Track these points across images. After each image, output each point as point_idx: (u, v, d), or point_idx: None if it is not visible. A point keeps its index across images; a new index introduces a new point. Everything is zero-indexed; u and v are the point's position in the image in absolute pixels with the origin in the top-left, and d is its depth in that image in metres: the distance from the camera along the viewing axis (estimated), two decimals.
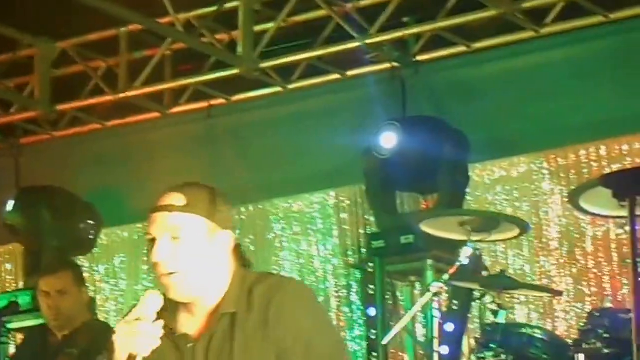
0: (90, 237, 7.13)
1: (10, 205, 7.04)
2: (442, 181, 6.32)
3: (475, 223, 4.92)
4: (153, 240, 3.03)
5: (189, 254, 3.04)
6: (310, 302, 3.13)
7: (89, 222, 7.10)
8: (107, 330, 5.43)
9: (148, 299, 3.00)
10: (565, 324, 6.62)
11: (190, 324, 3.11)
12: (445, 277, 4.86)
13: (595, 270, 6.61)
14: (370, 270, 5.99)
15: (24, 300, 6.64)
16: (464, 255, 4.87)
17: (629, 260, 4.53)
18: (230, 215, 3.14)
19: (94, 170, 7.78)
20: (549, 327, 6.47)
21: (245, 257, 3.19)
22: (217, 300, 3.09)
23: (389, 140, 6.36)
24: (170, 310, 3.08)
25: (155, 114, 7.76)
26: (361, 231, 7.16)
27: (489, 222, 4.96)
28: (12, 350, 6.94)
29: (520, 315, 6.68)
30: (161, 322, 2.98)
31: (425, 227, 5.16)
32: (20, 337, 7.27)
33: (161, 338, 2.99)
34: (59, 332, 5.31)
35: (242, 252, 3.19)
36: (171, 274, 3.03)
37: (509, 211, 6.80)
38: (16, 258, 8.17)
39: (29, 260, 7.22)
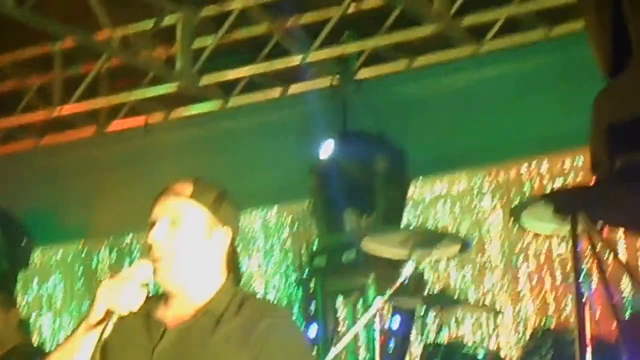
0: (27, 256, 7.01)
1: None
2: (379, 197, 6.28)
3: (416, 240, 4.87)
4: (154, 223, 3.02)
5: (184, 241, 3.02)
6: (298, 334, 3.15)
7: (27, 240, 6.98)
8: (37, 354, 5.37)
9: (139, 265, 2.99)
10: (507, 339, 6.60)
11: (167, 315, 3.08)
12: (387, 294, 4.81)
13: (538, 287, 6.60)
14: (311, 289, 5.92)
15: None
16: (406, 273, 4.83)
17: (571, 280, 4.52)
18: (234, 217, 3.15)
19: (28, 188, 7.63)
20: (492, 342, 6.47)
21: (238, 269, 3.18)
22: (202, 297, 3.06)
23: (326, 150, 6.31)
24: (153, 300, 3.07)
25: (91, 131, 7.64)
26: (303, 249, 7.12)
27: (430, 239, 4.91)
28: None
29: (465, 329, 6.65)
30: (145, 291, 2.95)
31: (367, 245, 5.11)
32: None
33: (135, 320, 3.01)
34: None
35: (237, 262, 3.17)
36: (162, 258, 2.99)
37: (450, 228, 6.79)
38: None
39: None
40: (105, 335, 2.91)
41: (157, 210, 3.04)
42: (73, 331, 3.06)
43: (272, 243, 7.30)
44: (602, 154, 2.62)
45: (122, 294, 2.91)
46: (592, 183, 2.80)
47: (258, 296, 3.40)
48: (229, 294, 3.08)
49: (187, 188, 3.06)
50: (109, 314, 2.93)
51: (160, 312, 3.08)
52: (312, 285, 6.05)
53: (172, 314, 3.07)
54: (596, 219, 2.67)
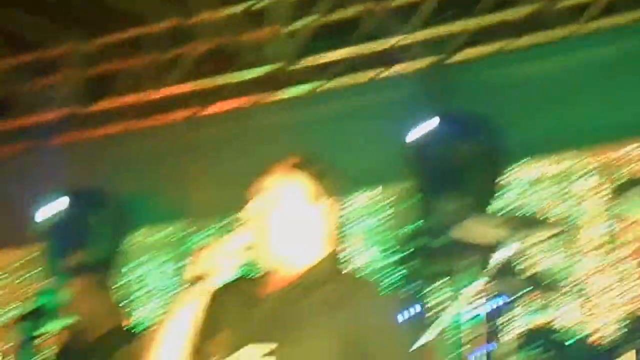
0: (127, 238, 7.12)
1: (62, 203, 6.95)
2: (475, 180, 6.23)
3: (511, 225, 4.85)
4: (256, 196, 3.12)
5: (286, 213, 3.10)
6: (389, 312, 3.15)
7: (126, 222, 7.10)
8: (133, 337, 5.47)
9: (240, 233, 3.07)
10: (601, 325, 6.52)
11: (270, 281, 3.15)
12: (482, 279, 4.79)
13: (635, 273, 6.52)
14: (410, 270, 5.95)
15: (48, 303, 6.66)
16: (499, 257, 4.80)
17: None
18: (337, 190, 3.19)
19: (127, 170, 7.72)
20: (586, 328, 6.40)
21: (340, 243, 3.22)
22: (301, 267, 3.14)
23: (422, 131, 6.26)
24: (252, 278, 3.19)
25: (188, 114, 7.73)
26: (404, 230, 7.13)
27: (526, 223, 4.89)
28: (40, 357, 6.98)
29: (558, 314, 6.59)
30: (239, 259, 3.04)
31: (462, 230, 5.11)
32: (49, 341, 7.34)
33: (239, 285, 3.14)
34: (90, 334, 5.29)
35: (339, 237, 3.21)
36: (265, 227, 3.08)
37: (548, 211, 6.73)
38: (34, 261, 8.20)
39: (51, 263, 7.19)
40: (200, 297, 3.03)
41: (263, 185, 3.13)
42: (172, 302, 3.15)
43: (373, 224, 7.31)
44: None
45: (215, 261, 3.01)
46: None
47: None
48: (327, 265, 3.14)
49: (292, 162, 3.14)
50: (206, 276, 3.02)
51: (263, 278, 3.17)
52: (411, 266, 6.06)
53: (272, 284, 3.14)
54: None
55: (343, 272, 3.17)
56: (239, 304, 3.15)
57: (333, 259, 3.19)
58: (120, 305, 5.50)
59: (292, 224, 3.12)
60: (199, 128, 7.73)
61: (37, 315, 6.48)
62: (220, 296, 3.11)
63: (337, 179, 3.21)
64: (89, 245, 6.85)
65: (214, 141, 7.67)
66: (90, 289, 5.30)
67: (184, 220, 7.83)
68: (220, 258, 3.02)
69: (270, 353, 3.02)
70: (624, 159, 6.66)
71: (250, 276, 3.19)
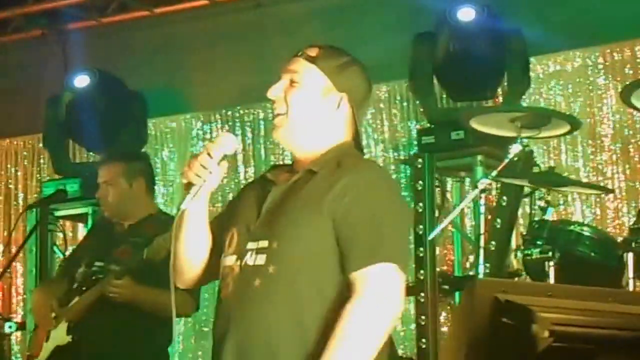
0: (144, 127, 7.07)
1: (83, 81, 6.85)
2: (512, 74, 6.14)
3: (525, 119, 4.84)
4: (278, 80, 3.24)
5: (299, 99, 3.19)
6: (386, 189, 3.17)
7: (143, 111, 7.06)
8: (164, 222, 5.48)
9: (221, 139, 3.15)
10: (617, 221, 6.54)
11: (280, 174, 3.27)
12: (494, 173, 4.81)
13: None
14: (419, 166, 5.93)
15: (71, 187, 6.69)
16: (513, 152, 4.81)
17: None
18: (357, 85, 3.25)
19: (142, 58, 7.71)
20: (600, 223, 6.41)
21: (358, 134, 3.26)
22: (312, 157, 3.21)
23: (467, 14, 6.04)
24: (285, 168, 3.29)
25: (204, 2, 7.63)
26: (411, 126, 7.10)
27: (540, 118, 4.88)
28: (60, 237, 7.05)
29: (573, 208, 6.59)
30: (225, 164, 3.13)
31: (475, 124, 5.10)
32: (68, 224, 7.40)
33: (257, 183, 3.30)
34: (124, 222, 5.36)
35: (357, 128, 3.26)
36: (279, 115, 3.21)
37: (563, 106, 6.69)
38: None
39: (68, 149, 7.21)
40: (184, 207, 3.12)
41: (283, 70, 3.23)
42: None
43: (381, 119, 7.28)
44: None
45: (197, 169, 3.09)
46: None
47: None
48: (336, 153, 3.19)
49: (313, 51, 3.21)
50: (189, 186, 3.11)
51: (277, 173, 3.28)
52: (419, 163, 6.05)
53: (285, 173, 3.26)
54: None
55: (345, 155, 3.19)
56: (252, 202, 3.23)
57: (343, 150, 3.22)
58: (143, 195, 5.49)
59: (306, 110, 3.20)
60: (210, 17, 7.65)
61: (59, 199, 6.55)
62: (242, 196, 3.24)
63: (358, 73, 3.23)
64: (114, 133, 6.84)
65: (230, 31, 7.63)
66: (119, 178, 5.33)
67: (200, 109, 7.83)
68: (200, 170, 3.08)
69: (261, 250, 3.10)
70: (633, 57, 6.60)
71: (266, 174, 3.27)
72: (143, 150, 6.82)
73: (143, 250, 4.97)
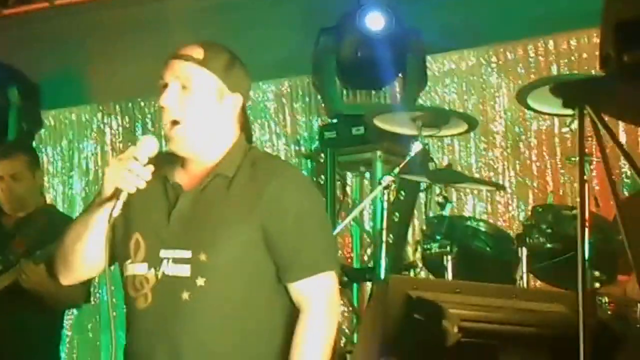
0: (41, 118, 7.06)
1: None
2: (410, 74, 6.32)
3: (426, 118, 5.02)
4: (165, 85, 3.11)
5: (195, 105, 3.11)
6: (312, 192, 3.23)
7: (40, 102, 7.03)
8: (58, 215, 5.51)
9: (144, 141, 3.10)
10: (507, 215, 6.76)
11: (184, 178, 3.19)
12: (396, 170, 4.97)
13: (538, 164, 6.73)
14: (321, 160, 6.07)
15: None
16: (414, 150, 4.99)
17: (573, 159, 4.68)
18: (244, 81, 3.22)
19: (42, 49, 7.61)
20: (494, 218, 6.61)
21: (249, 128, 3.26)
22: (215, 160, 3.16)
23: (376, 21, 6.21)
24: (170, 163, 3.18)
25: None
26: (314, 121, 7.20)
27: (440, 117, 5.06)
28: None
29: (468, 205, 6.79)
30: (151, 167, 3.06)
31: (379, 122, 5.25)
32: None
33: (153, 184, 3.10)
34: (13, 214, 5.32)
35: (248, 122, 3.26)
36: (174, 122, 3.10)
37: (457, 104, 6.87)
38: None
39: None
40: (115, 213, 3.03)
41: (168, 73, 3.12)
42: (86, 209, 3.24)
43: (283, 115, 7.38)
44: (610, 48, 2.74)
45: (127, 174, 3.02)
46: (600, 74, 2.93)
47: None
48: (240, 154, 3.17)
49: (198, 52, 3.11)
50: (117, 192, 3.04)
51: (178, 175, 3.19)
52: (322, 157, 6.19)
53: (188, 177, 3.17)
54: (602, 111, 2.81)
55: (255, 158, 3.18)
56: (160, 199, 3.17)
57: (242, 146, 3.20)
58: (40, 186, 5.50)
59: (201, 116, 3.12)
60: (107, 10, 7.62)
61: None
62: (138, 199, 3.09)
63: (243, 70, 3.20)
64: (8, 126, 6.79)
65: (130, 23, 7.60)
66: (25, 170, 5.29)
67: (98, 101, 7.81)
68: (131, 171, 3.03)
69: (182, 261, 3.07)
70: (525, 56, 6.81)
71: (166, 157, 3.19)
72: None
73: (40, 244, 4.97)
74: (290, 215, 3.09)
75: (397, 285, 2.92)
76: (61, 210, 6.56)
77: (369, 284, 6.12)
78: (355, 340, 5.78)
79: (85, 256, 3.16)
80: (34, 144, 7.22)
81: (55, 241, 4.93)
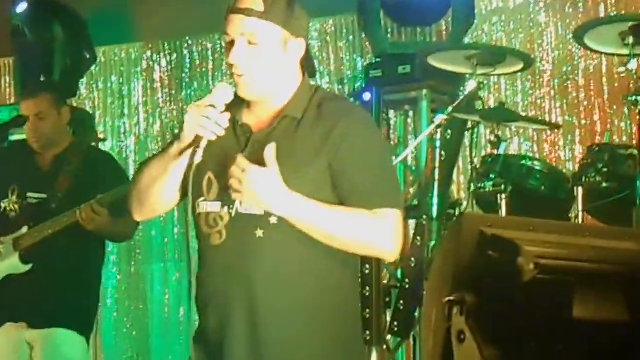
0: (90, 56, 7.04)
1: (22, 7, 6.82)
2: (458, 11, 6.26)
3: (481, 57, 4.98)
4: (231, 42, 3.17)
5: (262, 60, 3.17)
6: (378, 132, 3.35)
7: (86, 53, 7.01)
8: (93, 150, 5.58)
9: (220, 89, 3.17)
10: (554, 155, 6.73)
11: (252, 119, 3.26)
12: (450, 109, 4.95)
13: (585, 104, 6.69)
14: (366, 99, 6.04)
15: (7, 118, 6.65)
16: (469, 88, 4.95)
17: (630, 97, 4.65)
18: (305, 23, 3.27)
19: None
20: (549, 157, 6.59)
21: (313, 67, 3.34)
22: (282, 103, 3.23)
23: None
24: (237, 105, 3.24)
25: None
26: (358, 60, 7.18)
27: (496, 56, 5.02)
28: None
29: (521, 144, 6.77)
30: (228, 114, 3.15)
31: (432, 60, 5.21)
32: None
33: (226, 128, 3.16)
34: (44, 153, 5.35)
35: (312, 62, 3.33)
36: (244, 75, 3.17)
37: (504, 42, 6.84)
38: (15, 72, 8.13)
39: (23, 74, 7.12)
40: (197, 160, 3.13)
41: (232, 29, 3.17)
42: (162, 152, 3.30)
43: (327, 54, 7.34)
44: None
45: (207, 122, 3.11)
46: None
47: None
48: (306, 96, 3.24)
49: (257, 4, 3.15)
50: (198, 139, 3.13)
51: (246, 116, 3.26)
52: (366, 96, 6.16)
53: (255, 119, 3.25)
54: None
55: (321, 99, 3.25)
56: (231, 140, 3.23)
57: (308, 87, 3.28)
58: (83, 123, 5.53)
59: (269, 67, 3.18)
60: None
61: (18, 124, 6.49)
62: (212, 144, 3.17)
63: (302, 13, 3.23)
64: (53, 61, 6.79)
65: None
66: (50, 108, 5.31)
67: (141, 42, 7.81)
68: (210, 119, 3.11)
69: None
70: None
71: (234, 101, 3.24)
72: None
73: (82, 180, 5.10)
74: (357, 153, 3.15)
75: (471, 222, 2.89)
76: (113, 145, 6.62)
77: (411, 222, 6.12)
78: (399, 276, 5.81)
79: (162, 196, 3.30)
80: (83, 79, 7.24)
81: (96, 180, 5.00)
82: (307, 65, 3.30)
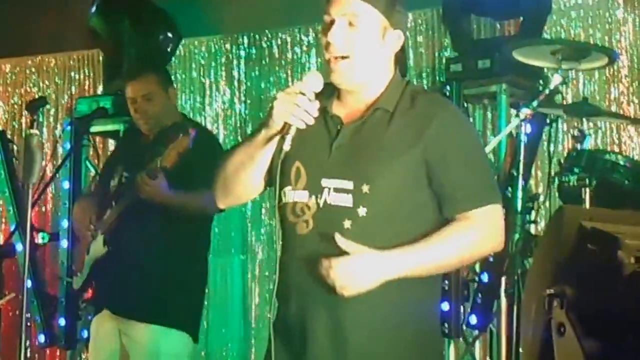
0: (169, 49, 7.09)
1: (94, 7, 6.95)
2: (525, 5, 6.28)
3: (566, 51, 4.99)
4: (331, 21, 3.16)
5: (362, 42, 3.16)
6: (472, 127, 3.31)
7: (168, 34, 7.06)
8: (202, 130, 5.53)
9: (310, 77, 3.15)
10: (631, 152, 6.70)
11: (342, 110, 3.25)
12: (534, 103, 4.96)
13: None
14: (447, 93, 6.07)
15: (105, 104, 6.77)
16: (554, 83, 4.97)
17: None
18: (404, 17, 3.29)
19: None
20: (632, 153, 6.55)
21: (405, 65, 3.33)
22: (374, 93, 3.22)
23: None
24: (326, 95, 3.22)
25: None
26: (437, 54, 7.19)
27: (580, 50, 5.02)
28: (91, 151, 7.15)
29: (603, 139, 6.71)
30: (317, 103, 3.12)
31: (517, 54, 5.23)
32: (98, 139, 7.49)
33: (315, 117, 3.14)
34: (150, 134, 5.38)
35: (405, 60, 3.34)
36: (340, 57, 3.16)
37: (582, 38, 6.80)
38: (93, 64, 8.27)
39: (108, 66, 7.23)
40: (286, 148, 3.09)
41: (334, 9, 3.17)
42: (249, 139, 3.27)
43: (406, 47, 7.33)
44: None
45: (296, 109, 3.07)
46: None
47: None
48: (398, 89, 3.22)
49: None
50: (286, 127, 3.10)
51: (336, 107, 3.25)
52: (447, 90, 6.19)
53: (346, 110, 3.24)
54: None
55: (414, 92, 3.24)
56: (321, 131, 3.22)
57: (400, 81, 3.26)
58: (175, 104, 5.57)
59: (366, 53, 3.17)
60: None
61: (99, 115, 6.59)
62: (299, 128, 3.14)
63: (402, 6, 3.24)
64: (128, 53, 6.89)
65: None
66: (157, 89, 5.34)
67: (227, 32, 7.85)
68: (300, 107, 3.08)
69: (343, 191, 3.13)
70: None
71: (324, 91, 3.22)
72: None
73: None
74: (455, 148, 3.15)
75: (571, 215, 2.93)
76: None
77: None
78: (477, 269, 5.84)
79: (247, 183, 3.29)
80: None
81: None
82: (401, 61, 3.29)
